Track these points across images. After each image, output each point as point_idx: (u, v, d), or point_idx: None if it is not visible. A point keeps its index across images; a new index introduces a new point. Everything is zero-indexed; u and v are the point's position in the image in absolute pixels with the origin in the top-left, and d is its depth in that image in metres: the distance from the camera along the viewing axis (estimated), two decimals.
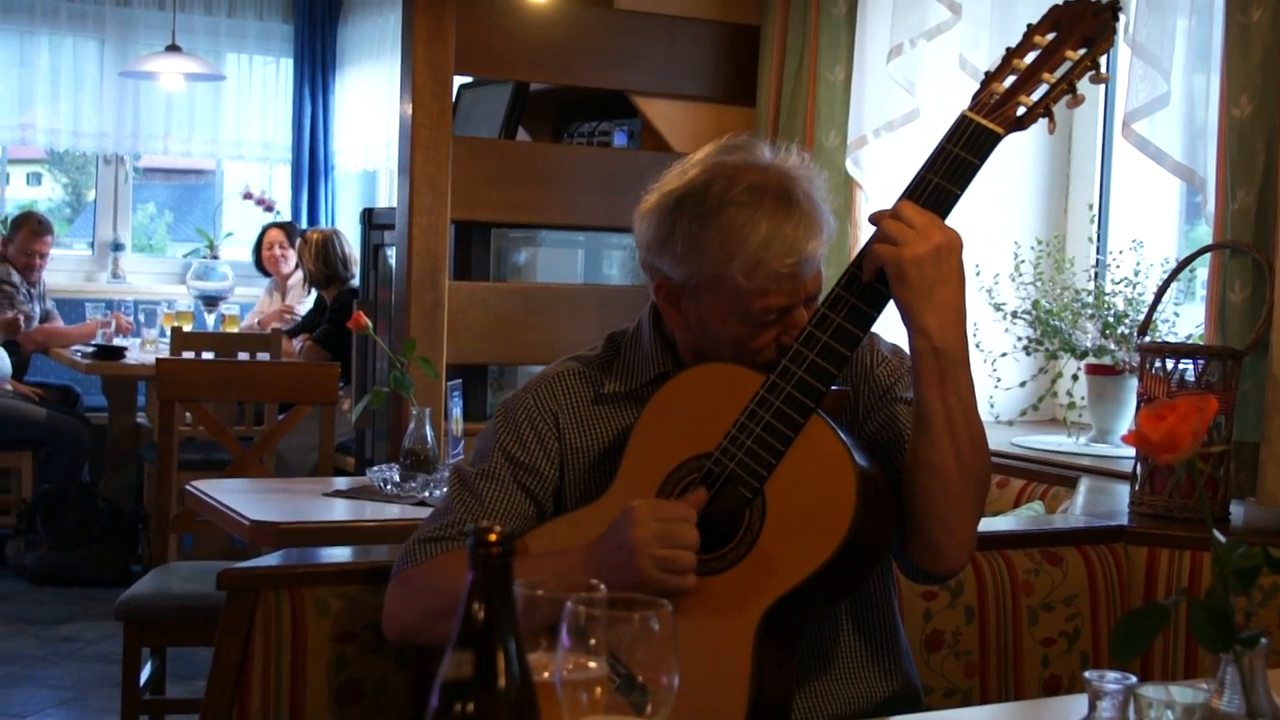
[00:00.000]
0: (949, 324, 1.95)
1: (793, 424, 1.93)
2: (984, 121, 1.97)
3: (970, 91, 3.98)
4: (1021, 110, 1.97)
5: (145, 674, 4.02)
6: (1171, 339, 3.60)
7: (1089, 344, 3.82)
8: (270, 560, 2.40)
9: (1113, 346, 3.78)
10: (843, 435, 1.96)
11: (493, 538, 1.19)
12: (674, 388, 2.06)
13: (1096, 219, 4.22)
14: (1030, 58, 1.99)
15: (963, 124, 1.98)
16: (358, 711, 2.31)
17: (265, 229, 8.11)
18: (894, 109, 4.28)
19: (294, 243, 7.95)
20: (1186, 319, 3.76)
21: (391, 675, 2.32)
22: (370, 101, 8.63)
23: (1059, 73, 1.98)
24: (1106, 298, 3.87)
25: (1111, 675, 1.52)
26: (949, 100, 4.22)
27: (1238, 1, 3.25)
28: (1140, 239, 3.95)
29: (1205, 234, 4.32)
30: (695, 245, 2.01)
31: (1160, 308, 3.43)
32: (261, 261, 8.07)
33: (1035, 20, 3.77)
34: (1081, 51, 1.97)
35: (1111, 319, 3.81)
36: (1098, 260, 4.17)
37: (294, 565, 2.36)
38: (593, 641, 1.34)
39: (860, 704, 2.10)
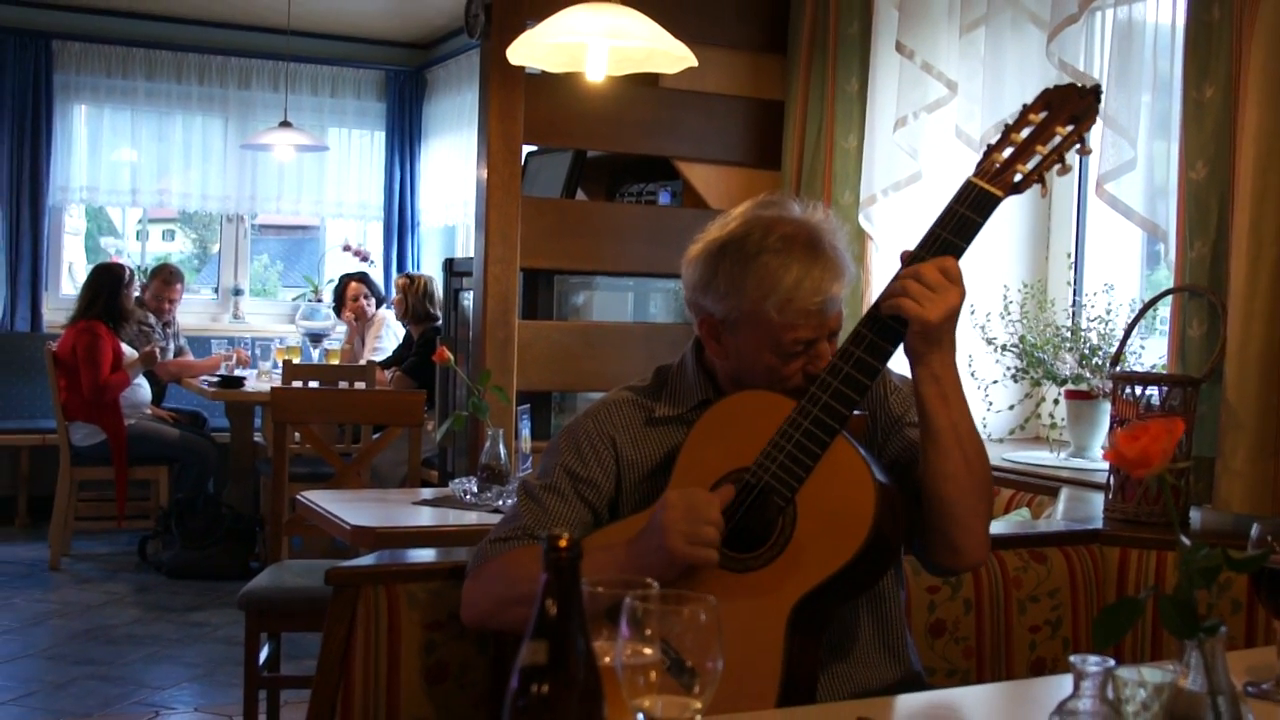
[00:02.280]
0: (949, 359, 1.98)
1: (820, 443, 1.92)
2: (986, 186, 1.97)
3: (965, 157, 4.03)
4: (1018, 177, 1.97)
5: (263, 655, 4.02)
6: (1139, 368, 3.57)
7: (1068, 373, 3.80)
8: (369, 560, 2.40)
9: (1088, 375, 3.75)
10: (863, 452, 1.96)
11: (563, 543, 1.19)
12: (717, 411, 2.06)
13: (1074, 265, 4.20)
14: (1025, 132, 1.99)
15: (968, 188, 1.98)
16: (444, 689, 2.30)
17: (345, 279, 8.06)
18: (899, 171, 4.27)
19: (373, 290, 7.97)
20: (1150, 350, 3.74)
21: (473, 658, 2.32)
22: (450, 166, 8.67)
23: (1050, 145, 1.97)
24: (1082, 333, 3.84)
25: (1093, 659, 1.51)
26: (947, 164, 4.22)
27: (1193, 80, 3.24)
28: (1110, 282, 3.93)
29: (1164, 277, 4.31)
30: (735, 286, 2.02)
31: (1129, 342, 3.41)
32: (341, 307, 8.02)
33: (1024, 100, 3.79)
34: (1069, 128, 1.97)
35: (1087, 351, 3.79)
36: (1075, 301, 4.14)
37: (389, 565, 2.36)
38: (648, 631, 1.33)
39: (873, 684, 2.09)
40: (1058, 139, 1.97)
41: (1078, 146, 1.98)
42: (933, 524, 2.02)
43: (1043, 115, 1.99)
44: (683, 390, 2.17)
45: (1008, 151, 1.98)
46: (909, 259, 1.98)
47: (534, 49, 3.57)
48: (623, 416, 2.17)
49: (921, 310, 1.92)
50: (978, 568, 2.30)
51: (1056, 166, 1.98)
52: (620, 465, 2.14)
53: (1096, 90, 1.98)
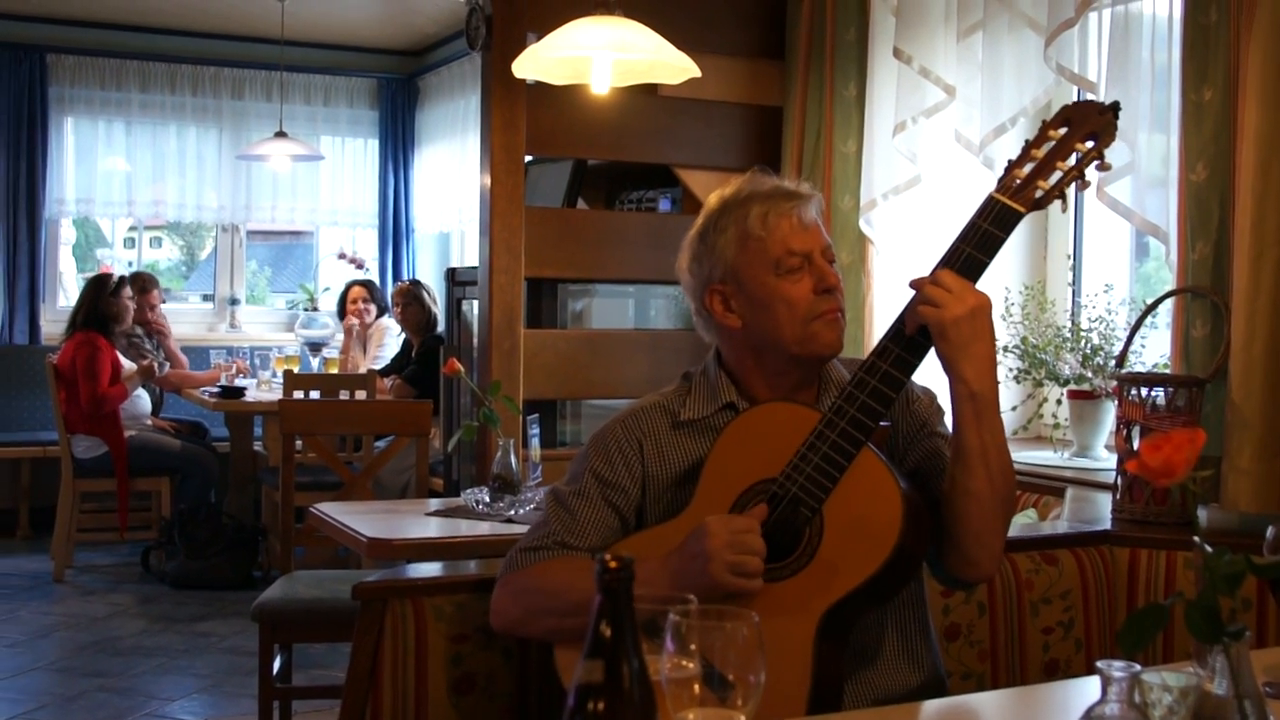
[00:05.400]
0: (983, 373, 1.97)
1: (847, 454, 1.95)
2: (1008, 202, 1.99)
3: (964, 161, 4.05)
4: (1040, 193, 1.99)
5: (275, 666, 4.04)
6: (1140, 367, 3.61)
7: (1070, 373, 3.84)
8: (395, 574, 2.43)
9: (1090, 375, 3.79)
10: (888, 464, 1.98)
11: (614, 565, 1.22)
12: (743, 422, 2.08)
13: (1073, 266, 4.24)
14: (1045, 148, 2.01)
15: (990, 204, 2.00)
16: (471, 700, 2.32)
17: (349, 285, 8.10)
18: (899, 176, 4.31)
19: (375, 298, 7.99)
20: (1151, 347, 3.77)
21: (500, 669, 2.34)
22: (444, 173, 8.69)
23: (1070, 162, 2.00)
24: (1083, 333, 3.88)
25: (1118, 664, 1.54)
26: (947, 168, 4.26)
27: (1191, 82, 3.28)
28: (1109, 282, 3.97)
29: (1153, 269, 4.36)
30: (721, 240, 2.13)
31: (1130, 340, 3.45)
32: (345, 313, 8.07)
33: (1023, 103, 3.82)
34: (1089, 144, 1.99)
35: (1089, 351, 3.83)
36: (1074, 301, 4.18)
37: (415, 578, 2.38)
38: (691, 646, 1.36)
39: (896, 690, 2.11)
40: (1077, 155, 2.00)
41: (1097, 163, 2.01)
42: (950, 536, 2.05)
43: (1062, 131, 2.01)
44: (706, 394, 2.19)
45: (1028, 167, 2.00)
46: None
47: (538, 62, 3.60)
48: (650, 421, 2.20)
49: (939, 313, 1.95)
50: (986, 582, 2.33)
51: (1076, 182, 2.01)
52: (647, 470, 2.16)
53: (1115, 108, 2.00)
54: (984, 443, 1.98)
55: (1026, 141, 2.03)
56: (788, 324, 2.09)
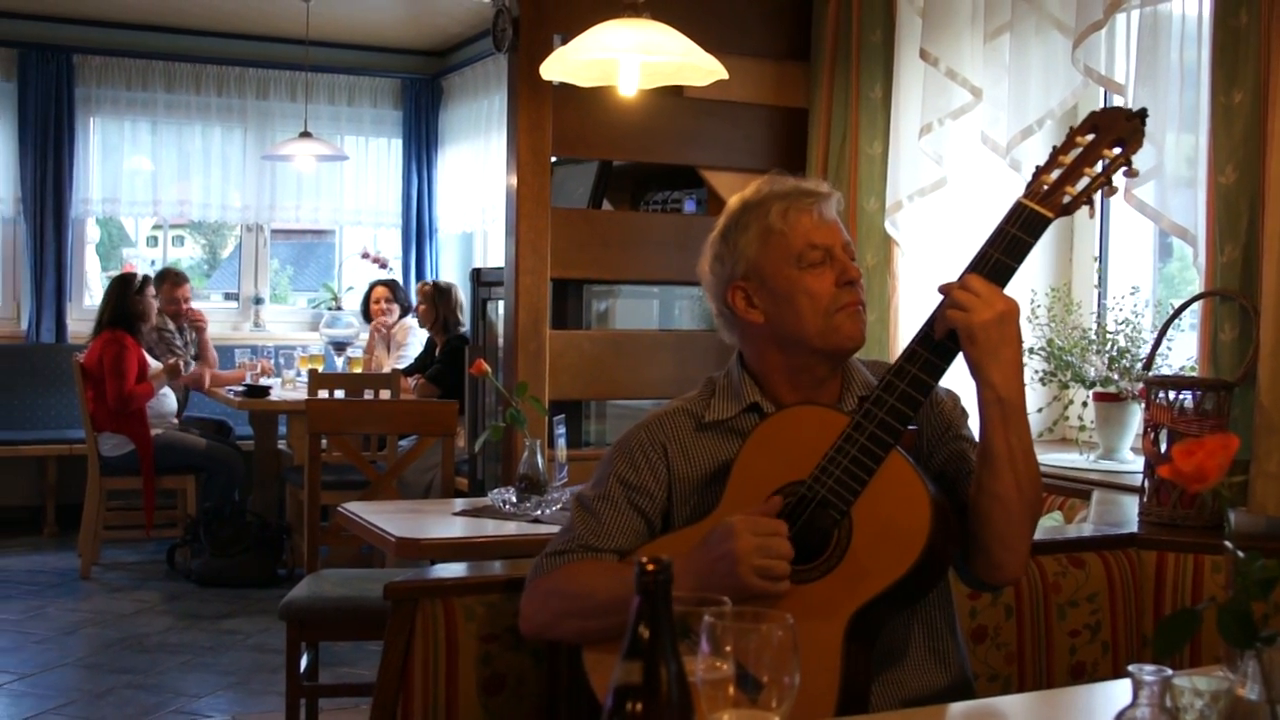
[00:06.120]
0: (1011, 378, 1.99)
1: (876, 457, 1.96)
2: (1036, 207, 2.00)
3: (990, 163, 4.05)
4: (1067, 199, 2.00)
5: (302, 664, 4.06)
6: (1167, 370, 3.60)
7: (1095, 375, 3.83)
8: (426, 574, 2.44)
9: (1116, 377, 3.79)
10: (917, 468, 1.99)
11: (651, 568, 1.23)
12: (771, 425, 2.09)
13: (1099, 269, 4.24)
14: (1073, 155, 2.02)
15: (1019, 209, 2.01)
16: (501, 700, 2.34)
17: (373, 285, 8.15)
18: (925, 178, 4.31)
19: (398, 298, 8.02)
20: (1178, 350, 3.76)
21: (529, 670, 2.35)
22: (467, 173, 8.72)
23: (1097, 168, 2.01)
24: (1110, 336, 3.88)
25: (1149, 668, 1.55)
26: (973, 170, 4.26)
27: (1221, 85, 3.27)
28: (1136, 284, 3.97)
29: (1175, 270, 4.36)
30: (743, 238, 2.15)
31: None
32: (369, 313, 8.12)
33: (1049, 106, 3.81)
34: (1116, 151, 2.00)
35: (1115, 353, 3.82)
36: (1100, 304, 4.18)
37: (446, 578, 2.40)
38: (726, 648, 1.37)
39: (924, 691, 2.12)
40: (1104, 162, 2.00)
41: (1124, 169, 2.01)
42: (977, 539, 2.05)
43: (1090, 138, 2.01)
44: (730, 396, 2.21)
45: (1056, 173, 2.01)
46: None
47: (567, 64, 3.61)
48: (674, 424, 2.21)
49: (967, 317, 1.96)
50: (1012, 585, 2.34)
51: (1104, 188, 2.01)
52: (672, 473, 2.17)
53: (1143, 114, 2.01)
54: (1011, 447, 1.99)
55: (1054, 147, 2.04)
56: (810, 316, 2.11)
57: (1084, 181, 2.00)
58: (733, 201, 2.21)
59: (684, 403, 2.25)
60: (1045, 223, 2.00)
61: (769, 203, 2.14)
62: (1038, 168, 2.03)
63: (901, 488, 1.96)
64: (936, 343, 2.00)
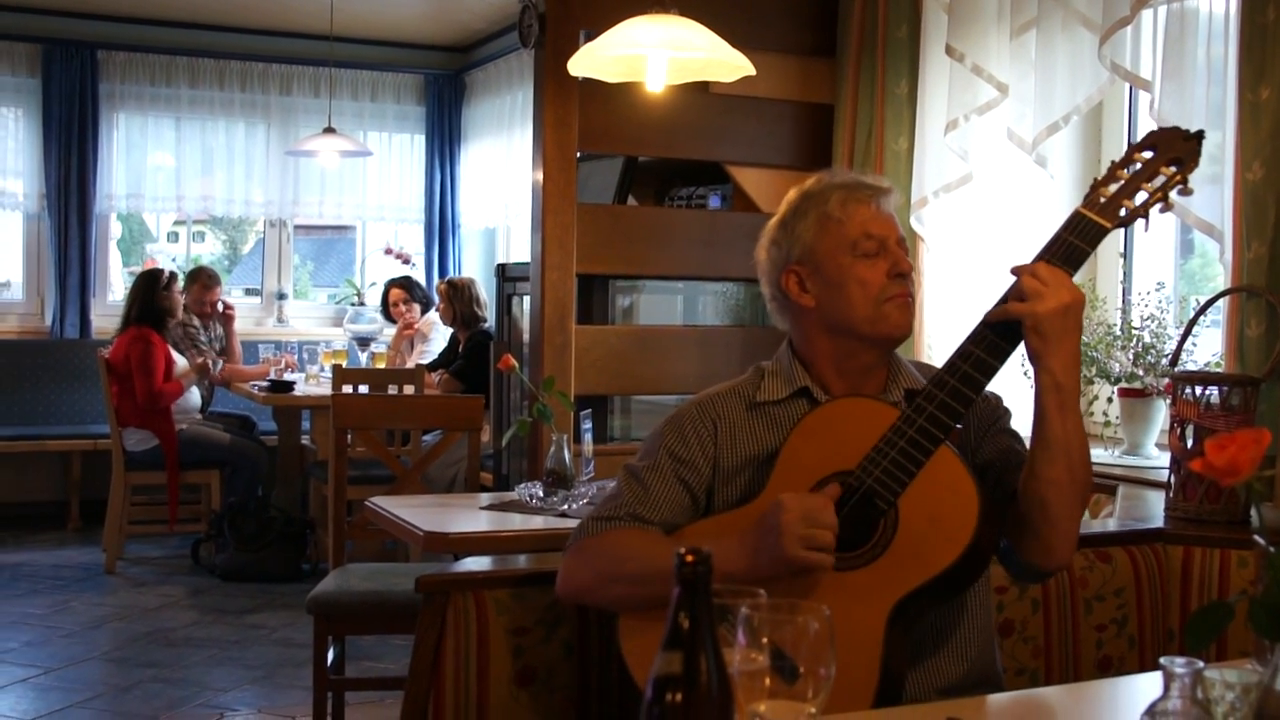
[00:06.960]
0: (1070, 366, 2.02)
1: (925, 451, 2.00)
2: (1095, 217, 2.05)
3: (1016, 159, 4.06)
4: (1124, 211, 2.05)
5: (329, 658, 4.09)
6: (1192, 366, 3.61)
7: (1120, 371, 3.84)
8: (458, 568, 2.47)
9: (1141, 373, 3.80)
10: (965, 461, 2.04)
11: (690, 559, 1.25)
12: (820, 415, 2.13)
13: (1125, 264, 4.25)
14: (1130, 170, 2.06)
15: (1077, 218, 2.05)
16: (532, 691, 2.37)
17: (388, 287, 8.16)
18: (950, 174, 4.32)
19: (415, 295, 8.04)
20: (1203, 345, 3.77)
21: (559, 662, 2.38)
22: (490, 169, 8.74)
23: (1154, 184, 2.05)
24: (1135, 331, 3.89)
25: (1180, 661, 1.56)
26: (998, 166, 4.27)
27: (1248, 82, 3.28)
28: (1161, 280, 3.97)
29: (1197, 266, 4.36)
30: (801, 223, 2.22)
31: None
32: (389, 314, 8.15)
33: (1075, 102, 3.82)
34: (1173, 169, 2.05)
35: (1140, 349, 3.83)
36: (1125, 300, 4.19)
37: (477, 571, 2.42)
38: (764, 640, 1.39)
39: (956, 682, 2.14)
40: (1161, 179, 2.05)
41: (1180, 187, 2.05)
42: (1030, 524, 2.08)
43: (1148, 155, 2.07)
44: (781, 379, 2.25)
45: (1114, 186, 2.06)
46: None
47: (594, 60, 3.63)
48: (725, 405, 2.25)
49: (1031, 306, 1.99)
50: (1061, 570, 2.36)
51: (1159, 204, 2.05)
52: (719, 451, 2.21)
53: (1200, 135, 2.06)
54: (1067, 432, 2.03)
55: (1113, 162, 2.10)
56: (860, 304, 2.16)
57: (1142, 196, 2.06)
58: (792, 193, 2.28)
59: (734, 385, 2.30)
60: (1103, 233, 2.05)
61: (829, 192, 2.20)
62: (1095, 180, 2.09)
63: (949, 481, 2.00)
64: (991, 341, 2.04)
